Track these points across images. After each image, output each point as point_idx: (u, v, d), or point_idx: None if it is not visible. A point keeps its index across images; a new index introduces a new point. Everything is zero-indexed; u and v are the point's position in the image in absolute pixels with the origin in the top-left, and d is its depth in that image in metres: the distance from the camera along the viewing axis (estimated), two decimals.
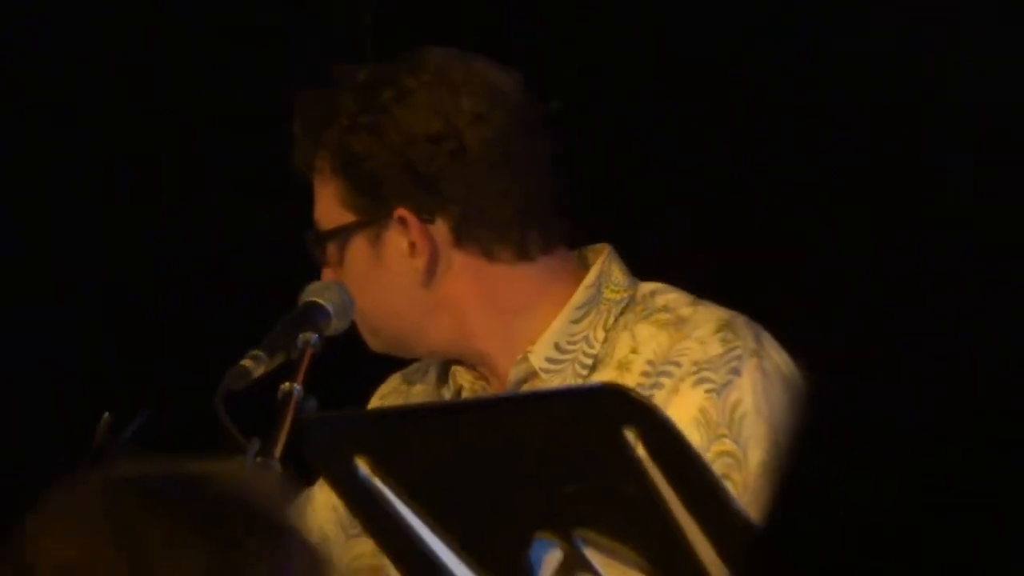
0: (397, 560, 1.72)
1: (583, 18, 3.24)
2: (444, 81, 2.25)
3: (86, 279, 3.59)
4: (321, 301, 2.12)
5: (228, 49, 3.69)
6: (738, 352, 2.14)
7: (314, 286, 2.17)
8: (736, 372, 2.14)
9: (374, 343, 2.27)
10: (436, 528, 1.58)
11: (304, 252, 2.35)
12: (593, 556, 1.49)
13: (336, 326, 2.13)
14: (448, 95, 2.24)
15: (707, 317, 2.21)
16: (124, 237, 3.80)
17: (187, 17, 3.82)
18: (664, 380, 2.11)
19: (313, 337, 2.06)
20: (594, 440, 1.58)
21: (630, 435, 1.50)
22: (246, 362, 2.02)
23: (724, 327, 2.17)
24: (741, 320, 2.19)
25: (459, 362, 2.25)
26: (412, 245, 2.19)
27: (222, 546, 1.36)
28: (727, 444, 1.98)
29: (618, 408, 1.57)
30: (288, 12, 3.37)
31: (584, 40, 3.23)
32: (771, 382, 2.05)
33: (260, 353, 2.06)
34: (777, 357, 2.16)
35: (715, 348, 2.16)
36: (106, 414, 1.82)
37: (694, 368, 2.12)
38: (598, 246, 2.26)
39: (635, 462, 1.50)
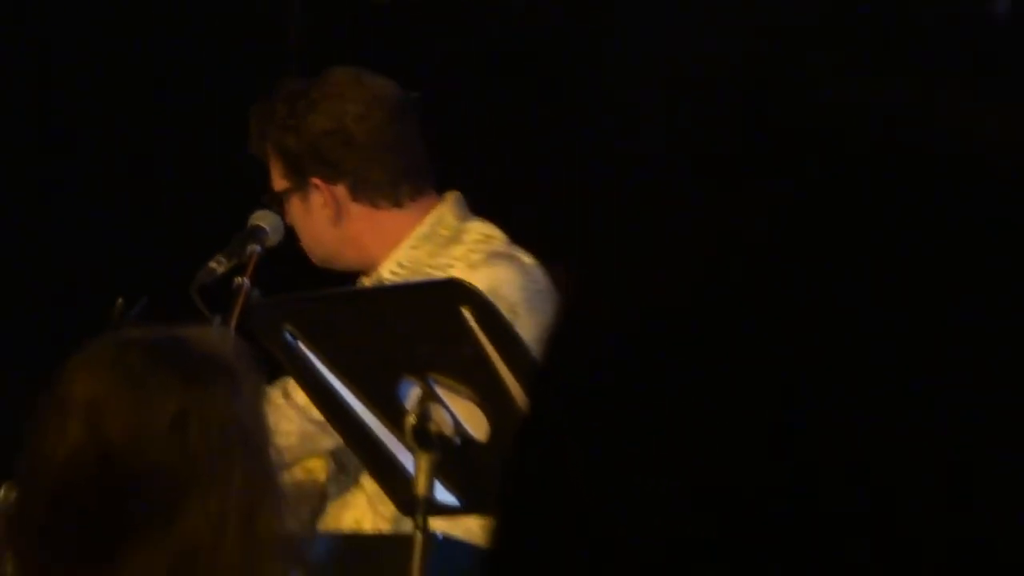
0: (315, 401, 2.25)
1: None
2: (338, 93, 2.98)
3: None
4: (262, 224, 2.85)
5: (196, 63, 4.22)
6: (476, 258, 2.89)
7: (257, 213, 2.90)
8: (476, 268, 2.85)
9: (314, 260, 2.98)
10: (337, 373, 2.07)
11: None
12: (441, 392, 1.97)
13: (272, 240, 2.84)
14: (339, 103, 2.97)
15: (477, 244, 2.95)
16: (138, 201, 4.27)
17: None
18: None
19: (257, 248, 2.79)
20: (442, 315, 2.04)
21: (466, 312, 1.96)
22: (212, 264, 2.73)
23: (484, 250, 2.94)
24: (503, 249, 2.93)
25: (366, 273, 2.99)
26: (324, 200, 2.91)
27: (195, 383, 1.78)
28: None
29: (458, 293, 2.04)
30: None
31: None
32: (499, 282, 2.80)
33: (222, 258, 2.77)
34: (510, 274, 2.88)
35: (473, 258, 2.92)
36: (119, 299, 2.32)
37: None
38: (451, 193, 3.00)
39: (469, 330, 1.96)
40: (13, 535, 1.94)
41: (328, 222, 2.99)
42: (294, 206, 2.99)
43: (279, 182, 3.00)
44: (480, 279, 2.72)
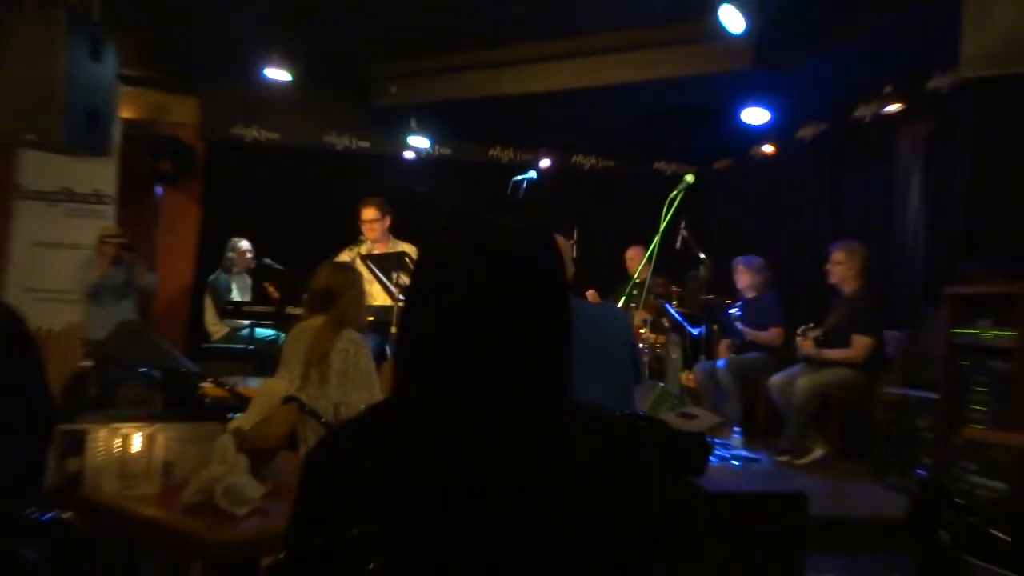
0: (379, 281, 5.05)
1: None
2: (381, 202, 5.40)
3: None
4: (362, 242, 5.44)
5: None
6: (407, 254, 4.83)
7: (361, 238, 5.39)
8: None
9: (376, 247, 5.23)
10: (382, 272, 5.02)
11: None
12: (400, 275, 4.95)
13: (364, 248, 5.28)
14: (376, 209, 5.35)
15: (408, 247, 5.15)
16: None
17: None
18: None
19: (361, 249, 5.31)
20: (401, 259, 4.91)
21: (406, 259, 4.93)
22: (346, 252, 5.30)
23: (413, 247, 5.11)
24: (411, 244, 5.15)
25: None
26: (389, 223, 5.48)
27: (350, 273, 3.46)
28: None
29: (405, 255, 4.89)
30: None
31: None
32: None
33: (350, 250, 5.32)
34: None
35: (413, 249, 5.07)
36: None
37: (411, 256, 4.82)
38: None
39: (408, 262, 4.82)
40: (305, 304, 3.52)
41: (386, 230, 5.43)
42: (381, 223, 5.40)
43: (374, 213, 5.31)
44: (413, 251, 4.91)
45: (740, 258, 6.08)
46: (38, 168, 6.43)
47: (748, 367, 5.75)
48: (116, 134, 5.84)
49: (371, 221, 5.39)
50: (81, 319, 5.78)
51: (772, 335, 5.83)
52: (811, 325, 5.19)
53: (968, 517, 1.79)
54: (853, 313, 5.14)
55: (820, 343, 5.15)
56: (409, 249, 5.14)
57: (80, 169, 6.27)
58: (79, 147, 4.78)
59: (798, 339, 5.21)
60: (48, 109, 4.55)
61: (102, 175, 6.51)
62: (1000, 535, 1.92)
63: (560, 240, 2.58)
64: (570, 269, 2.64)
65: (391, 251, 5.21)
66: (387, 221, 5.43)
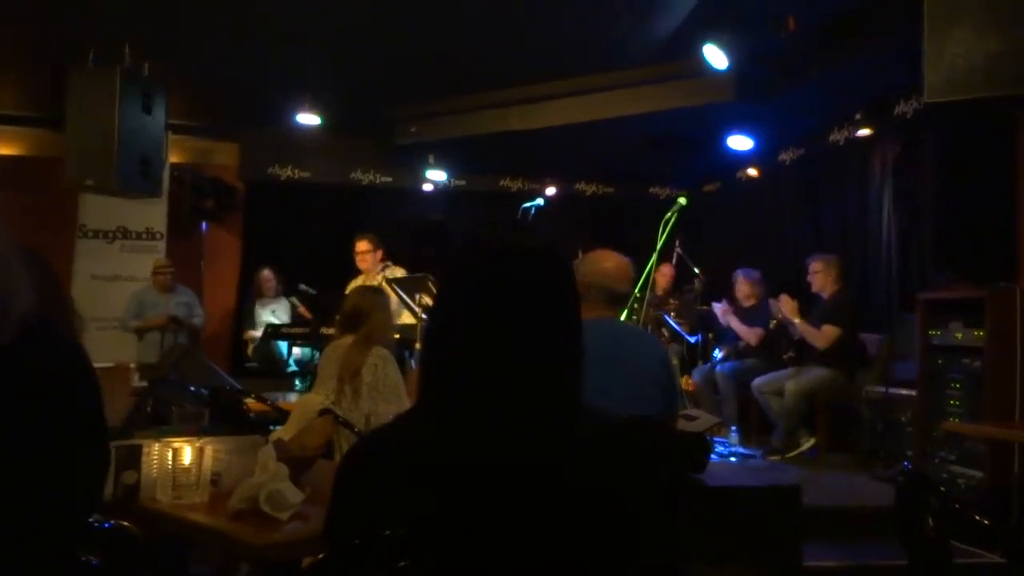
0: (400, 298, 5.23)
1: None
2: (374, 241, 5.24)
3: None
4: (389, 274, 5.25)
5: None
6: (429, 277, 4.64)
7: (387, 270, 5.28)
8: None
9: (364, 274, 5.00)
10: (405, 292, 4.99)
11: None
12: (424, 295, 5.15)
13: (387, 274, 5.08)
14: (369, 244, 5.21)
15: (400, 271, 5.00)
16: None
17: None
18: None
19: (387, 270, 5.20)
20: (424, 281, 4.91)
21: (428, 281, 4.96)
22: (382, 274, 5.22)
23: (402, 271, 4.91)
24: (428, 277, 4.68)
25: None
26: (381, 255, 5.28)
27: (378, 296, 3.42)
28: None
29: (428, 277, 4.94)
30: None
31: None
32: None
33: (382, 272, 5.34)
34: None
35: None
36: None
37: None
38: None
39: (431, 285, 4.93)
40: (337, 325, 3.36)
41: (378, 261, 5.27)
42: (372, 255, 5.24)
43: (367, 246, 5.17)
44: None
45: (740, 270, 5.97)
46: (97, 209, 6.54)
47: (743, 372, 5.65)
48: (165, 177, 5.95)
49: (363, 252, 5.36)
50: (132, 351, 5.88)
51: (763, 332, 5.71)
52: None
53: (951, 504, 1.74)
54: (826, 309, 5.12)
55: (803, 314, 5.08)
56: (402, 274, 5.14)
57: (134, 209, 6.37)
58: (133, 190, 4.94)
59: (781, 304, 5.12)
60: (105, 157, 4.70)
61: (153, 214, 6.62)
62: (981, 519, 1.86)
63: (620, 257, 2.41)
64: (629, 286, 2.43)
65: (406, 276, 5.18)
66: (379, 254, 5.37)
